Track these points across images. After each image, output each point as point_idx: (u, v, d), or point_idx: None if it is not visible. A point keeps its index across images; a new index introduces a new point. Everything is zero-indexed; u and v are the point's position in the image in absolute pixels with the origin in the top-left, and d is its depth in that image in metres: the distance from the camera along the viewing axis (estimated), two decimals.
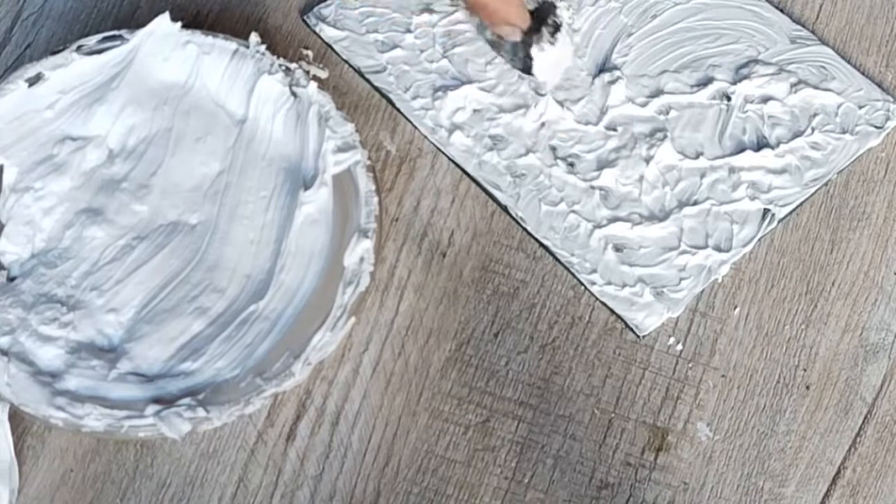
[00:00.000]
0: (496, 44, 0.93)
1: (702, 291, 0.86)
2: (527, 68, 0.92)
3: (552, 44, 0.91)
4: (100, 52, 0.89)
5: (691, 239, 0.88)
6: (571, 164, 0.91)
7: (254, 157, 0.88)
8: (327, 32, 0.95)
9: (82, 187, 0.87)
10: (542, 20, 0.91)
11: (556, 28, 0.91)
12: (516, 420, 0.82)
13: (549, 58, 0.92)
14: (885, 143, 0.91)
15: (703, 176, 0.90)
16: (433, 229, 0.88)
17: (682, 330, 0.85)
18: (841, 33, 0.96)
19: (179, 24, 0.89)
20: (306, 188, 0.86)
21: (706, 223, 0.88)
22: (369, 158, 0.86)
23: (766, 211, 0.88)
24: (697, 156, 0.91)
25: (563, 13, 0.92)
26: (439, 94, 0.93)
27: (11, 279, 0.84)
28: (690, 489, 0.81)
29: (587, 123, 0.92)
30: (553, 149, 0.91)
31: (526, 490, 0.81)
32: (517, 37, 0.91)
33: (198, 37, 0.90)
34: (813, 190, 0.89)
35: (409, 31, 0.96)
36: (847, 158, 0.91)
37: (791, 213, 0.89)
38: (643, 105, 0.93)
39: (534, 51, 0.91)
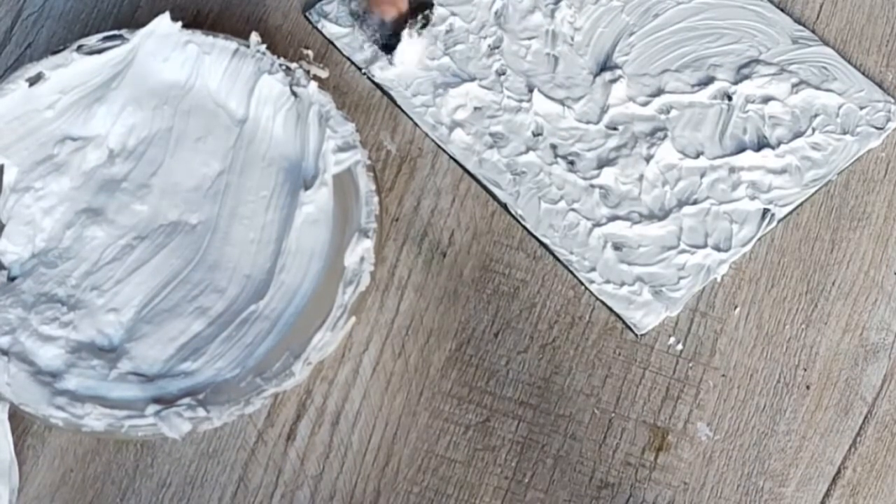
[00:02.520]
0: (358, 16, 0.95)
1: (702, 291, 0.86)
2: (389, 47, 0.94)
3: (419, 35, 0.94)
4: (100, 51, 0.89)
5: (690, 238, 0.88)
6: (571, 163, 0.91)
7: (254, 156, 0.88)
8: (329, 29, 0.95)
9: (82, 187, 0.87)
10: (415, 12, 0.94)
11: (427, 23, 0.94)
12: (516, 420, 0.82)
13: (413, 47, 0.94)
14: (885, 143, 0.91)
15: (703, 175, 0.90)
16: (433, 229, 0.88)
17: (682, 330, 0.85)
18: (841, 33, 0.96)
19: (180, 23, 0.89)
20: (306, 188, 0.86)
21: (705, 222, 0.88)
22: (369, 158, 0.86)
23: (765, 211, 0.88)
24: (698, 155, 0.91)
25: (434, 14, 0.95)
26: (440, 91, 0.93)
27: (12, 279, 0.84)
28: (690, 489, 0.81)
29: (588, 122, 0.92)
30: (553, 147, 0.91)
31: (526, 490, 0.81)
32: (392, 16, 0.94)
33: (198, 36, 0.90)
34: (812, 190, 0.89)
35: None
36: (847, 159, 0.91)
37: (790, 213, 0.89)
38: (644, 104, 0.93)
39: (404, 35, 0.93)
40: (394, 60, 0.93)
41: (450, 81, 0.93)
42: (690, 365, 0.84)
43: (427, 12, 0.94)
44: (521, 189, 0.89)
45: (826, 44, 0.95)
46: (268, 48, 0.89)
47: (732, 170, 0.90)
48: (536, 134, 0.92)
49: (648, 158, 0.90)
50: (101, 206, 0.86)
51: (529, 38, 0.95)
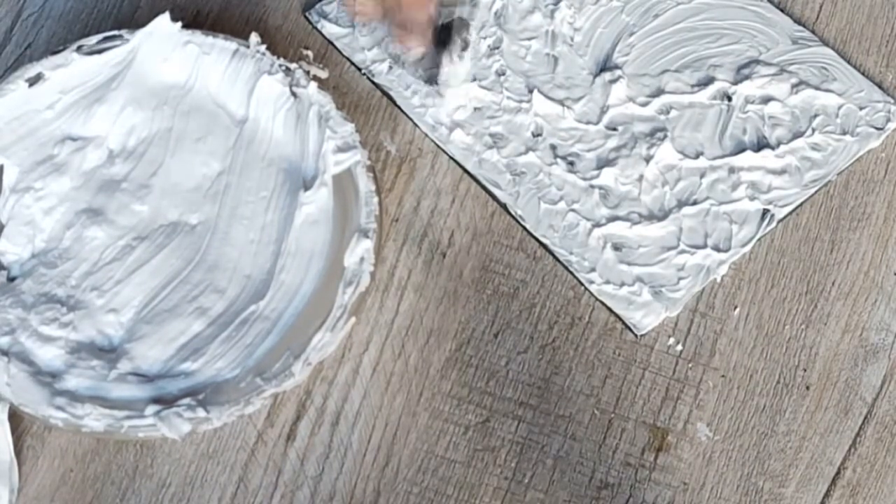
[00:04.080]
0: (397, 57, 0.94)
1: (701, 291, 0.86)
2: (433, 78, 0.92)
3: (460, 59, 0.91)
4: (100, 52, 0.89)
5: (690, 238, 0.88)
6: (571, 163, 0.91)
7: (254, 157, 0.88)
8: (329, 29, 0.95)
9: (82, 187, 0.87)
10: (449, 36, 0.91)
11: (466, 46, 0.91)
12: (516, 420, 0.82)
13: (455, 71, 0.92)
14: (885, 143, 0.91)
15: (702, 176, 0.90)
16: (433, 229, 0.88)
17: (681, 330, 0.85)
18: (841, 33, 0.96)
19: (179, 24, 0.89)
20: (306, 188, 0.86)
21: (705, 223, 0.88)
22: (369, 158, 0.86)
23: (765, 211, 0.88)
24: (697, 156, 0.91)
25: (473, 35, 0.93)
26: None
27: (12, 279, 0.84)
28: (690, 489, 0.81)
29: (588, 122, 0.92)
30: (553, 147, 0.91)
31: (526, 490, 0.81)
32: (421, 52, 0.91)
33: (198, 37, 0.90)
34: (812, 191, 0.89)
35: None
36: (847, 160, 0.90)
37: (790, 213, 0.89)
38: (644, 104, 0.93)
39: (444, 59, 0.91)
40: (440, 91, 0.92)
41: None
42: (690, 365, 0.84)
43: (465, 35, 0.91)
44: (520, 189, 0.89)
45: (826, 44, 0.95)
46: (268, 49, 0.89)
47: (732, 170, 0.90)
48: (536, 134, 0.92)
49: (648, 159, 0.90)
50: (101, 206, 0.86)
51: (529, 39, 0.95)
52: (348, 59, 0.94)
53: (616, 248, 0.87)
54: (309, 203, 0.86)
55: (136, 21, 0.95)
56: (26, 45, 0.95)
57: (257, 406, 0.79)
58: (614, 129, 0.92)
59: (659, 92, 0.93)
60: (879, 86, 0.93)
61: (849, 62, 0.94)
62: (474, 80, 0.93)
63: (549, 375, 0.84)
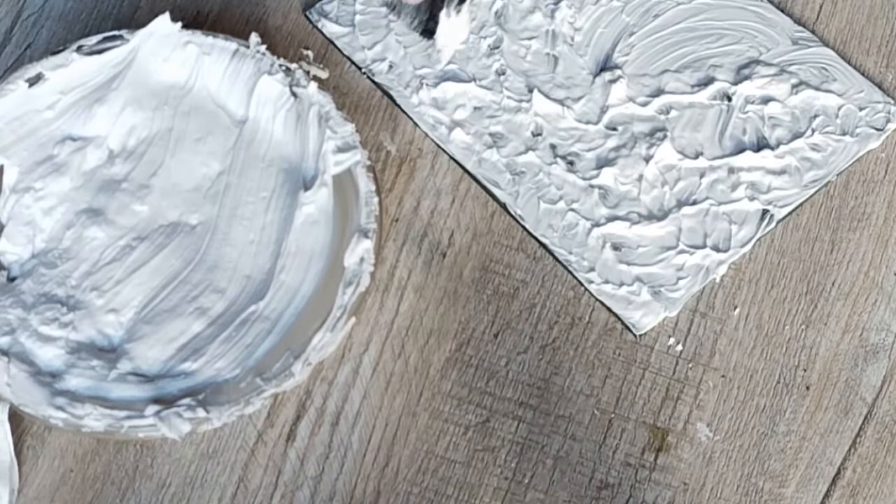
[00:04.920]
0: (394, 5, 0.94)
1: (701, 292, 0.86)
2: (429, 31, 0.92)
3: (458, 13, 0.91)
4: (100, 52, 0.89)
5: (690, 239, 0.88)
6: (571, 163, 0.91)
7: (254, 157, 0.88)
8: (329, 28, 0.95)
9: (82, 188, 0.87)
10: None
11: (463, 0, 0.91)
12: (516, 420, 0.82)
13: (452, 25, 0.92)
14: (884, 144, 0.91)
15: (702, 176, 0.90)
16: (433, 230, 0.88)
17: (681, 330, 0.85)
18: (841, 33, 0.96)
19: (179, 24, 0.89)
20: (306, 189, 0.86)
21: (705, 223, 0.88)
22: (369, 159, 0.86)
23: (764, 212, 0.88)
24: (697, 156, 0.91)
25: None
26: (434, 80, 0.93)
27: (12, 279, 0.84)
28: (690, 489, 0.81)
29: (587, 122, 0.92)
30: (553, 147, 0.91)
31: (526, 490, 0.81)
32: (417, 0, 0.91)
33: (198, 37, 0.90)
34: (812, 191, 0.89)
35: None
36: (846, 160, 0.90)
37: (789, 214, 0.89)
38: (644, 104, 0.93)
39: (442, 15, 0.91)
40: (437, 45, 0.92)
41: (447, 76, 0.94)
42: (690, 365, 0.84)
43: None
44: (520, 189, 0.89)
45: (826, 44, 0.95)
46: (268, 48, 0.89)
47: (732, 170, 0.90)
48: (536, 134, 0.92)
49: (648, 159, 0.90)
50: (101, 206, 0.86)
51: (529, 38, 0.95)
52: (348, 58, 0.94)
53: (615, 247, 0.88)
54: (309, 203, 0.86)
55: (136, 21, 0.95)
56: (26, 45, 0.95)
57: (257, 406, 0.79)
58: (614, 129, 0.92)
59: (659, 92, 0.93)
60: (879, 86, 0.93)
61: (849, 62, 0.94)
62: (474, 79, 0.93)
63: (549, 375, 0.84)
